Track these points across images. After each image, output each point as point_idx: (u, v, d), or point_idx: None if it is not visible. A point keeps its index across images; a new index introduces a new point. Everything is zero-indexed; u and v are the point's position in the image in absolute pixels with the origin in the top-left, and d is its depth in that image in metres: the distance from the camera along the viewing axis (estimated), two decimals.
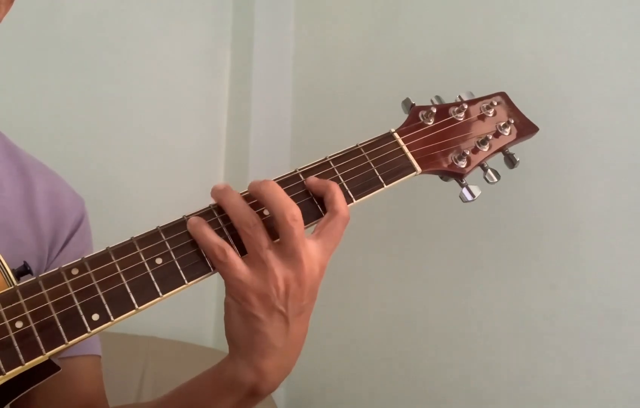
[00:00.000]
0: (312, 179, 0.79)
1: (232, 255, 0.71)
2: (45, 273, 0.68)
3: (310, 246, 0.73)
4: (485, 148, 0.92)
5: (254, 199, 0.75)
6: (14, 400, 0.67)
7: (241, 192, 0.76)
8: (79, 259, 0.70)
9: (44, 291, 0.67)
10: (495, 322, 1.33)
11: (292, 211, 0.71)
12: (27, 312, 0.65)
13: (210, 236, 0.72)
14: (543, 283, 1.26)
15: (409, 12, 1.55)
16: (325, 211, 0.77)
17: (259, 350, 0.75)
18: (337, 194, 0.76)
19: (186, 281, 0.71)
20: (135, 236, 0.72)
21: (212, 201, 0.76)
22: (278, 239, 0.73)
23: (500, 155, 0.95)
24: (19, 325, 0.64)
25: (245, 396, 0.77)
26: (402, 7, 1.57)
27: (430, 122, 0.91)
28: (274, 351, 0.75)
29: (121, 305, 0.68)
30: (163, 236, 0.73)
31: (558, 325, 1.23)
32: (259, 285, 0.71)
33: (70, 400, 0.93)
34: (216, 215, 0.75)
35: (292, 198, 0.76)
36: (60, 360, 0.89)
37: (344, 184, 0.81)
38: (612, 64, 1.18)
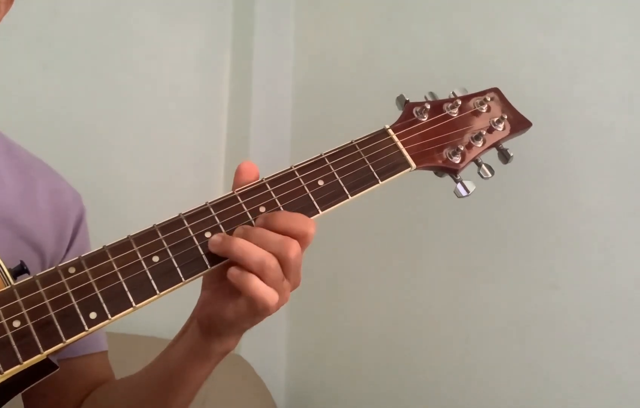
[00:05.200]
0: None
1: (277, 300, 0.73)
2: (42, 272, 0.68)
3: None
4: (479, 144, 0.92)
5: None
6: (11, 399, 0.67)
7: (237, 189, 0.77)
8: (76, 257, 0.70)
9: (41, 290, 0.67)
10: (495, 321, 1.33)
11: (292, 246, 0.72)
12: (24, 311, 0.65)
13: (262, 290, 0.71)
14: (543, 283, 1.26)
15: (409, 12, 1.55)
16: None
17: (241, 334, 0.79)
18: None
19: (183, 279, 0.72)
20: (131, 234, 0.73)
21: (208, 200, 0.77)
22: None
23: (494, 151, 0.95)
24: (16, 324, 0.65)
25: (220, 358, 0.82)
26: (401, 6, 1.57)
27: (425, 118, 0.91)
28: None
29: (118, 303, 0.69)
30: (160, 234, 0.73)
31: (558, 325, 1.23)
32: (278, 308, 0.74)
33: (82, 392, 0.97)
34: (213, 213, 0.76)
35: (288, 194, 0.78)
36: (70, 360, 0.93)
37: (339, 180, 0.81)
38: (612, 62, 1.18)
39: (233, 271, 0.71)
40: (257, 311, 0.72)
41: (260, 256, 0.70)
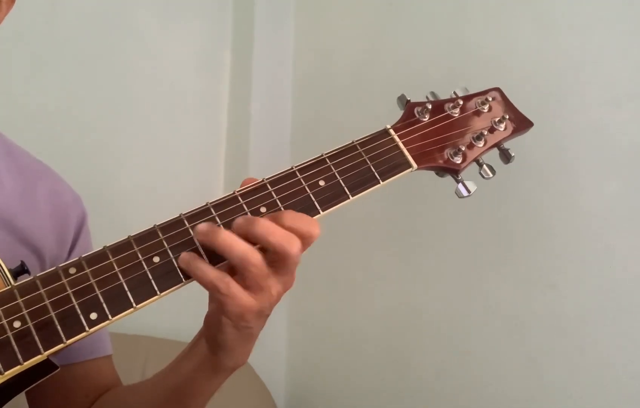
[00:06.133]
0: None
1: (234, 286, 0.70)
2: (42, 273, 0.68)
3: None
4: (481, 144, 0.92)
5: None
6: (12, 399, 0.67)
7: (238, 189, 0.77)
8: (76, 258, 0.70)
9: (42, 291, 0.67)
10: (495, 321, 1.33)
11: (295, 242, 0.71)
12: (24, 312, 0.65)
13: (207, 272, 0.70)
14: (543, 283, 1.26)
15: (409, 12, 1.55)
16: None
17: (245, 345, 0.78)
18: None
19: (183, 279, 0.72)
20: (132, 234, 0.73)
21: (208, 200, 0.76)
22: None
23: (495, 151, 0.95)
24: (17, 324, 0.65)
25: (230, 373, 0.82)
26: (401, 6, 1.57)
27: (426, 119, 0.91)
28: (255, 339, 0.79)
29: (119, 304, 0.69)
30: (160, 235, 0.73)
31: (558, 325, 1.23)
32: (258, 305, 0.72)
33: (88, 397, 0.97)
34: (213, 213, 0.76)
35: (289, 194, 0.78)
36: (75, 365, 0.93)
37: (340, 180, 0.81)
38: (612, 62, 1.18)
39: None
40: (224, 307, 0.72)
41: (243, 250, 0.69)
